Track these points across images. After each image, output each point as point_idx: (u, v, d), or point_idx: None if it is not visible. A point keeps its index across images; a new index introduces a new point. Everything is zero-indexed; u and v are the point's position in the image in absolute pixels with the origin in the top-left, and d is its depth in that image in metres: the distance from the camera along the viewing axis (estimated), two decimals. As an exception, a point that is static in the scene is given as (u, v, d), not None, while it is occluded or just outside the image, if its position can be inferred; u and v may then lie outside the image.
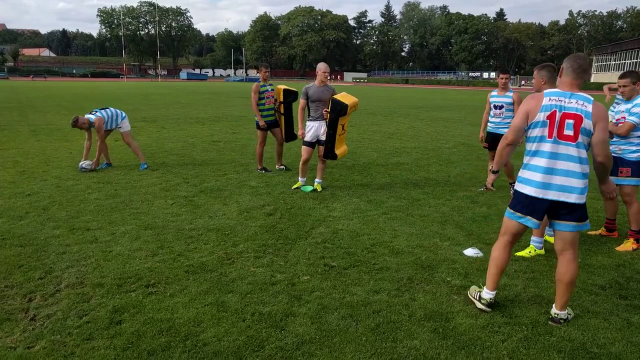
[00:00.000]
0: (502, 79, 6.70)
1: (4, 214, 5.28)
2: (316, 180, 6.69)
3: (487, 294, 3.36)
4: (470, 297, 3.49)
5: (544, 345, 2.95)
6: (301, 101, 6.51)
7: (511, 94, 6.69)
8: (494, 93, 6.87)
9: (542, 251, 4.42)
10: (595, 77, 74.05)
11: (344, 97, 6.30)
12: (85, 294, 3.50)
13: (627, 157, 4.59)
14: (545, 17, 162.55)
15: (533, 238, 4.43)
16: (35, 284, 3.63)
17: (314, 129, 6.50)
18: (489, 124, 6.93)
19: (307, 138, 6.53)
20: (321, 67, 6.51)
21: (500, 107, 6.70)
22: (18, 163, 8.17)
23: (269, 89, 7.68)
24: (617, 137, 4.64)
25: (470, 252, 4.43)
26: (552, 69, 4.01)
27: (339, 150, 6.51)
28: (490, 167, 3.80)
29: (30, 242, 4.48)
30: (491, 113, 6.86)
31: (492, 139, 6.76)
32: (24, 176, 7.18)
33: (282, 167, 8.02)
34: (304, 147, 6.57)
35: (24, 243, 4.45)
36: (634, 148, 4.57)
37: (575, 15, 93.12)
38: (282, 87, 7.84)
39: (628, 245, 4.64)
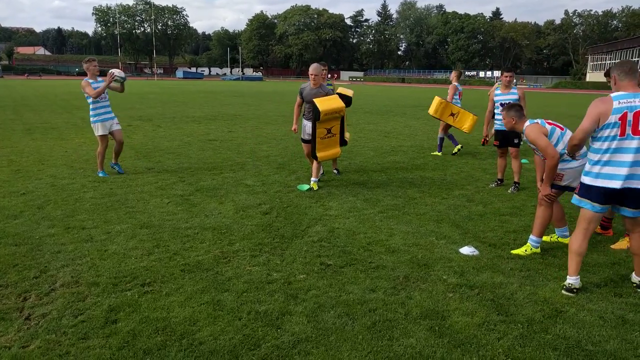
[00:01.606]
0: (506, 77, 6.79)
1: (-1, 213, 5.25)
2: (312, 179, 6.70)
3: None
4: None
5: (540, 343, 2.96)
6: (297, 99, 6.73)
7: (516, 91, 6.82)
8: (498, 92, 6.90)
9: (538, 250, 4.42)
10: (590, 77, 74.40)
11: (326, 100, 6.19)
12: (80, 293, 3.48)
13: None
14: (541, 17, 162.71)
15: (531, 237, 4.43)
16: (30, 283, 3.62)
17: (307, 127, 6.73)
18: (496, 122, 6.92)
19: (304, 136, 6.89)
20: (310, 69, 6.50)
21: None
22: (13, 162, 8.13)
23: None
24: None
25: (466, 250, 4.44)
26: (520, 107, 4.44)
27: (321, 153, 6.48)
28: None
29: (25, 241, 4.46)
30: (497, 111, 6.86)
31: (503, 137, 6.76)
32: (18, 175, 7.14)
33: (335, 170, 7.69)
34: (303, 145, 7.03)
35: (19, 242, 4.42)
36: None
37: (571, 14, 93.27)
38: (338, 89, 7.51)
39: (623, 243, 4.65)
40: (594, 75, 73.29)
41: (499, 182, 7.08)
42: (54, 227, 4.85)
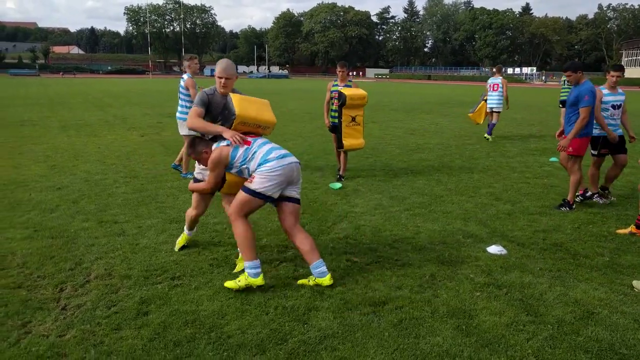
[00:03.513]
0: (612, 76, 5.92)
1: (36, 207, 5.45)
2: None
3: None
4: None
5: (571, 345, 2.90)
6: (198, 109, 3.80)
7: (622, 92, 6.09)
8: (605, 91, 5.98)
9: (258, 279, 3.49)
10: (625, 72, 71.93)
11: (251, 103, 3.88)
12: (113, 285, 3.59)
13: None
14: (573, 11, 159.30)
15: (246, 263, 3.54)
16: (66, 275, 3.75)
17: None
18: (597, 127, 5.93)
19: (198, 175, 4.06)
20: (220, 67, 3.93)
21: (619, 107, 5.98)
22: (49, 157, 8.41)
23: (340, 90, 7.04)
24: None
25: (494, 249, 4.37)
26: (201, 139, 3.77)
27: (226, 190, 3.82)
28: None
29: (61, 234, 4.62)
30: (606, 114, 5.93)
31: (620, 142, 5.96)
32: (54, 170, 7.39)
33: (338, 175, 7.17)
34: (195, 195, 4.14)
35: (55, 235, 4.59)
36: None
37: (605, 8, 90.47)
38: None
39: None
40: (628, 71, 70.82)
41: (599, 194, 6.19)
42: (88, 221, 5.00)
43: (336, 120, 6.92)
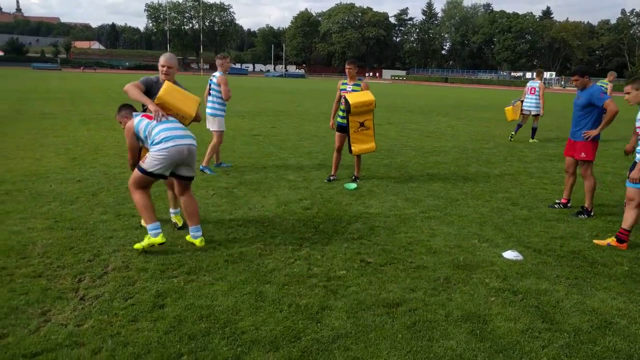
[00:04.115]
0: None
1: (57, 198, 5.55)
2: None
3: None
4: None
5: (587, 354, 2.86)
6: (141, 85, 4.41)
7: None
8: None
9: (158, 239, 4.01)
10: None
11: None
12: (130, 278, 3.64)
13: None
14: (595, 16, 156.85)
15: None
16: (85, 266, 3.82)
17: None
18: None
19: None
20: (163, 58, 4.55)
21: None
22: (69, 150, 8.55)
23: (349, 89, 6.76)
24: None
25: (509, 254, 4.34)
26: (129, 106, 4.47)
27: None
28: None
29: (80, 225, 4.70)
30: None
31: None
32: (74, 163, 7.52)
33: (334, 177, 7.08)
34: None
35: (75, 226, 4.67)
36: None
37: (628, 14, 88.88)
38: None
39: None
40: (652, 79, 69.41)
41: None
42: (107, 214, 5.08)
43: (344, 121, 6.78)
